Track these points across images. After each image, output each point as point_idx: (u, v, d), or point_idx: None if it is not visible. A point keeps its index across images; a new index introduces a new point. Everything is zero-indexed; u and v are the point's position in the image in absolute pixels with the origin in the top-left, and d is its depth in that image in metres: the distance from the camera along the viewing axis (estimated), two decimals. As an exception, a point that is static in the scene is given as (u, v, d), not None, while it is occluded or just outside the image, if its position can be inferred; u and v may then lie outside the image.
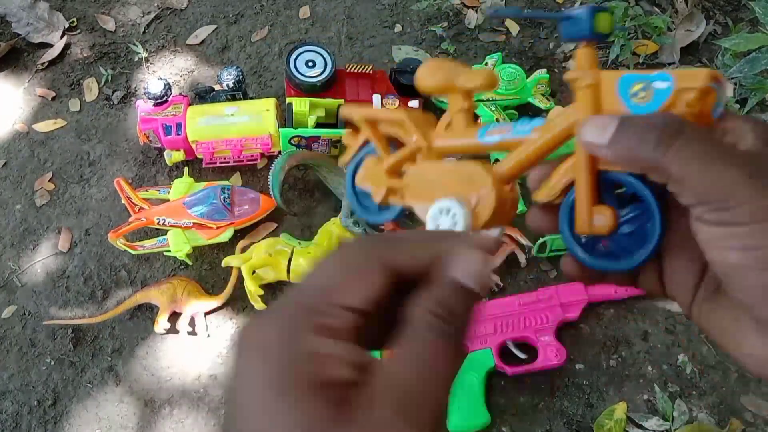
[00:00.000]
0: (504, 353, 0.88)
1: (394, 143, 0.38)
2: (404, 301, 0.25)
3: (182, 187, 0.99)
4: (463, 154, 0.37)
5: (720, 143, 0.26)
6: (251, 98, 1.09)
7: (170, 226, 0.95)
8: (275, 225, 1.02)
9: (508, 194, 0.34)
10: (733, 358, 0.29)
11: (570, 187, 0.32)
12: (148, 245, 0.97)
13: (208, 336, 0.93)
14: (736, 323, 0.28)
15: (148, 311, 0.95)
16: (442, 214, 0.34)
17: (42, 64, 1.22)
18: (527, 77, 1.09)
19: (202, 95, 1.05)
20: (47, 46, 1.24)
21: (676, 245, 0.31)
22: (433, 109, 1.11)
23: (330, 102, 1.03)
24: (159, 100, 1.02)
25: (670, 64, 1.15)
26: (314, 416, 0.20)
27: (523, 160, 0.33)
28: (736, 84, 1.09)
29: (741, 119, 0.28)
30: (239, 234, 0.99)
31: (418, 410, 0.21)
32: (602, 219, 0.31)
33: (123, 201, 0.99)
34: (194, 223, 0.95)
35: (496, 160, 0.36)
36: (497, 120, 1.03)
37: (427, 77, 0.36)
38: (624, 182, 0.31)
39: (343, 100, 1.04)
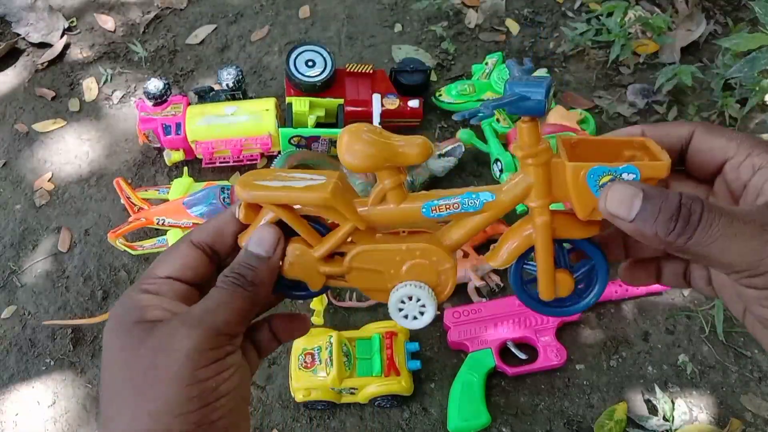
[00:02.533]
0: (504, 353, 0.88)
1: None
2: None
3: (182, 187, 0.99)
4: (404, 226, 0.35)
5: (736, 218, 0.27)
6: (251, 98, 1.09)
7: (170, 226, 0.95)
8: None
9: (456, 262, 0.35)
10: None
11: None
12: (148, 245, 0.97)
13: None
14: None
15: (147, 311, 0.95)
16: (405, 302, 0.34)
17: (42, 64, 1.22)
18: (527, 77, 1.08)
19: (202, 95, 1.05)
20: (47, 46, 1.24)
21: None
22: (433, 108, 1.11)
23: (330, 102, 1.03)
24: (158, 100, 1.02)
25: (670, 63, 1.15)
26: (129, 339, 0.31)
27: (472, 232, 0.34)
28: (736, 84, 1.09)
29: (735, 141, 0.31)
30: (239, 234, 0.99)
31: (200, 323, 0.31)
32: (563, 285, 0.34)
33: (122, 201, 0.99)
34: (194, 223, 0.95)
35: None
36: (497, 120, 1.03)
37: (357, 157, 0.32)
38: (578, 246, 0.34)
39: (342, 99, 1.04)
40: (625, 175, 0.30)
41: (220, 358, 0.30)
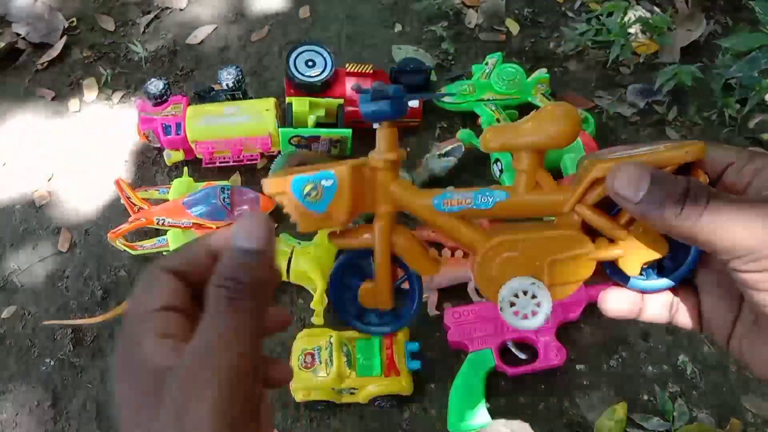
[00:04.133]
0: (504, 353, 0.88)
1: None
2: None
3: (182, 187, 0.99)
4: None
5: (742, 204, 0.28)
6: (251, 98, 1.08)
7: (170, 226, 0.95)
8: (275, 225, 1.01)
9: None
10: None
11: None
12: (148, 245, 0.97)
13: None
14: None
15: (147, 311, 0.95)
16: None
17: (42, 64, 1.22)
18: (527, 77, 1.09)
19: (202, 95, 1.05)
20: (47, 46, 1.24)
21: (711, 283, 0.33)
22: (433, 108, 1.11)
23: (330, 102, 1.03)
24: (158, 100, 1.02)
25: (670, 63, 1.15)
26: (134, 397, 0.26)
27: None
28: (736, 84, 1.09)
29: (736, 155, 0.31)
30: (239, 234, 0.98)
31: (218, 368, 0.24)
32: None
33: (122, 201, 0.99)
34: (194, 223, 0.95)
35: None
36: (497, 120, 1.03)
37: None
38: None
39: (343, 99, 1.04)
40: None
41: (254, 411, 0.26)
